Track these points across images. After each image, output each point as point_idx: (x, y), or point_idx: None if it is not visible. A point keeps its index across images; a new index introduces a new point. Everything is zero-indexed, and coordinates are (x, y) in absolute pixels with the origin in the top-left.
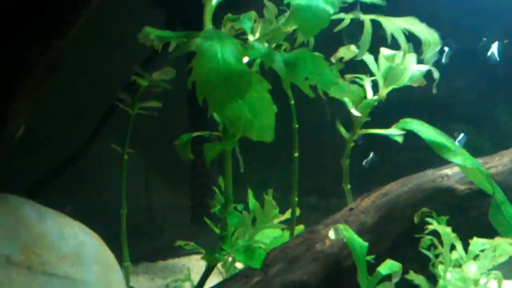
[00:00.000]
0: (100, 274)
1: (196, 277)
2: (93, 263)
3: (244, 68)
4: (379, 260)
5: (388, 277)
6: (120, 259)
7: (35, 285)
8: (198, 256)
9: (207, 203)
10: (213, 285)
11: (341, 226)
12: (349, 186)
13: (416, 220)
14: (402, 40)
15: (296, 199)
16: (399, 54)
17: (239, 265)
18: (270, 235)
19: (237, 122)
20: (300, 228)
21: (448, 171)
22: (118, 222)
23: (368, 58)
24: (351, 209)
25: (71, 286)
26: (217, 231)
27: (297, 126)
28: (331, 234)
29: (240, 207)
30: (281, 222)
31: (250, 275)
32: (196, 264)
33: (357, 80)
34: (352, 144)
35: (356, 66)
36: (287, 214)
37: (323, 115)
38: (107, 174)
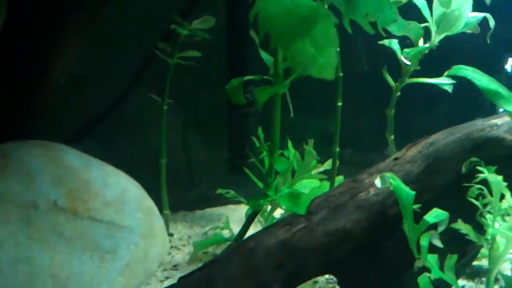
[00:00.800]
0: (143, 220)
1: (233, 226)
2: (136, 210)
3: (311, 1)
4: (425, 210)
5: (434, 226)
6: (159, 208)
7: (81, 230)
8: (234, 206)
9: (245, 154)
10: (256, 231)
11: (388, 175)
12: (392, 137)
13: (464, 169)
14: None
15: (338, 149)
16: None
17: (277, 216)
18: (309, 186)
19: (300, 57)
20: (339, 179)
21: (497, 120)
22: (156, 172)
23: (421, 2)
24: (396, 158)
25: (115, 232)
26: (256, 181)
27: (341, 74)
28: (377, 183)
29: (286, 153)
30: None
31: (293, 222)
32: (232, 214)
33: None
34: (398, 94)
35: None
36: (326, 165)
37: (361, 66)
38: (146, 124)
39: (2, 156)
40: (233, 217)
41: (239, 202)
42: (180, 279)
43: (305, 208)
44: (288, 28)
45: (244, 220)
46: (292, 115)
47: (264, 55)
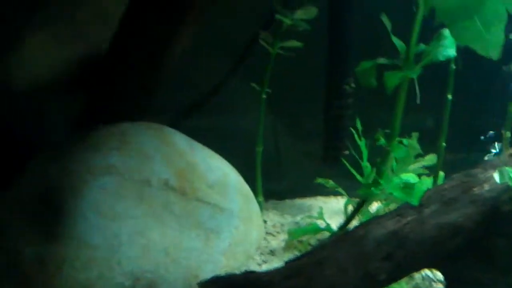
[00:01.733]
0: (242, 204)
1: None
2: (236, 194)
3: None
4: None
5: None
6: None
7: (189, 210)
8: (324, 198)
9: (341, 145)
10: (363, 222)
11: (508, 169)
12: (509, 133)
13: None
14: None
15: (444, 144)
16: None
17: (372, 210)
18: (410, 179)
19: (466, 34)
20: (441, 175)
21: None
22: (249, 159)
23: None
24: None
25: (218, 213)
26: (354, 172)
27: (454, 67)
28: (496, 177)
29: (405, 141)
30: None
31: (404, 213)
32: (323, 206)
33: None
34: None
35: None
36: (427, 160)
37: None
38: (241, 111)
39: (120, 135)
40: (324, 209)
41: (329, 194)
42: (287, 262)
43: (418, 198)
44: (457, 4)
45: (334, 212)
46: (418, 102)
47: (395, 40)
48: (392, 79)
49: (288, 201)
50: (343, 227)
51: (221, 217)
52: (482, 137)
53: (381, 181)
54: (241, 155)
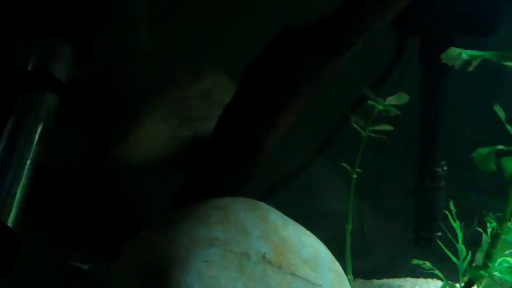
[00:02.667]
0: (334, 282)
1: None
2: (328, 271)
3: None
4: None
5: None
6: None
7: (284, 284)
8: (413, 279)
9: (433, 227)
10: None
11: None
12: None
13: None
14: None
15: None
16: None
17: None
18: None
19: None
20: None
21: None
22: (333, 239)
23: None
24: None
25: None
26: (449, 254)
27: None
28: None
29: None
30: None
31: None
32: (411, 287)
33: None
34: None
35: None
36: None
37: None
38: (326, 191)
39: (222, 209)
40: None
41: (419, 276)
42: None
43: None
44: None
45: None
46: None
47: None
48: (510, 164)
49: (375, 281)
50: None
51: None
52: None
53: (490, 264)
54: (325, 235)
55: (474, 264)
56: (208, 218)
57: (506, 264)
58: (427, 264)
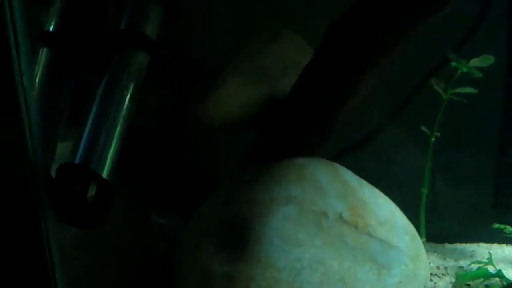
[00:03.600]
0: (409, 244)
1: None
2: (403, 233)
3: None
4: None
5: None
6: None
7: (361, 243)
8: (487, 245)
9: None
10: None
11: None
12: None
13: None
14: None
15: None
16: None
17: None
18: None
19: None
20: None
21: None
22: (404, 203)
23: None
24: None
25: (387, 249)
26: None
27: None
28: None
29: None
30: None
31: None
32: (486, 252)
33: None
34: None
35: None
36: None
37: None
38: (399, 154)
39: (298, 168)
40: (487, 255)
41: (493, 242)
42: None
43: None
44: None
45: (500, 259)
46: None
47: None
48: None
49: (448, 245)
50: None
51: (390, 254)
52: None
53: None
54: (398, 199)
55: None
56: (285, 177)
57: None
58: (509, 228)
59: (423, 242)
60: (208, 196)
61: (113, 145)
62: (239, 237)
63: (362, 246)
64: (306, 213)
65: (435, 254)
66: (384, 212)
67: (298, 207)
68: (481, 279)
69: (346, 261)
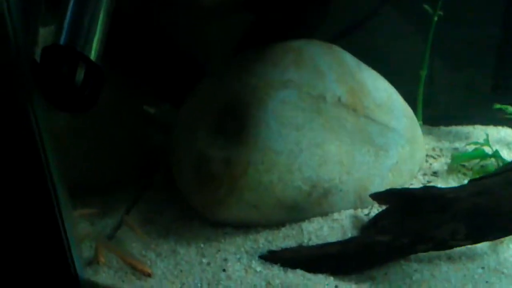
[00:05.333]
0: (407, 126)
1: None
2: (402, 115)
3: None
4: None
5: None
6: None
7: (359, 126)
8: (483, 127)
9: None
10: None
11: None
12: None
13: None
14: None
15: None
16: None
17: None
18: None
19: None
20: None
21: None
22: (401, 84)
23: None
24: None
25: (385, 132)
26: None
27: None
28: None
29: None
30: None
31: None
32: (481, 134)
33: None
34: None
35: None
36: None
37: None
38: (398, 36)
39: (295, 51)
40: (483, 136)
41: (488, 123)
42: (473, 180)
43: None
44: None
45: (495, 141)
46: None
47: None
48: None
49: (443, 128)
50: None
51: (388, 136)
52: None
53: None
54: (395, 82)
55: None
56: (282, 61)
57: None
58: (510, 108)
59: (419, 125)
60: (202, 81)
61: (98, 29)
62: (235, 122)
63: (361, 129)
64: (304, 97)
65: (431, 136)
66: (382, 95)
67: (296, 91)
68: (477, 160)
69: (344, 144)
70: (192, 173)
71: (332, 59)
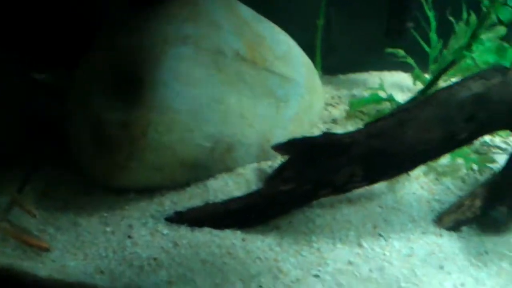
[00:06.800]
0: (306, 76)
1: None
2: (300, 66)
3: None
4: None
5: None
6: None
7: (260, 79)
8: (377, 73)
9: (405, 18)
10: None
11: None
12: None
13: None
14: None
15: None
16: None
17: None
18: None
19: None
20: None
21: None
22: (301, 35)
23: None
24: None
25: (285, 83)
26: (422, 43)
27: None
28: None
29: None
30: None
31: (489, 77)
32: (376, 80)
33: None
34: None
35: None
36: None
37: None
38: None
39: (190, 5)
40: (379, 82)
41: (383, 69)
42: (367, 124)
43: (511, 61)
44: None
45: (390, 85)
46: None
47: None
48: None
49: (341, 76)
50: (425, 90)
51: (288, 87)
52: None
53: (474, 43)
54: (294, 34)
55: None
56: (177, 16)
57: (491, 43)
58: (401, 52)
59: (318, 75)
60: (95, 41)
61: None
62: (132, 83)
63: (261, 82)
64: (202, 52)
65: (330, 85)
66: (282, 47)
67: (194, 47)
68: (373, 105)
69: (245, 97)
70: (90, 140)
71: (229, 12)
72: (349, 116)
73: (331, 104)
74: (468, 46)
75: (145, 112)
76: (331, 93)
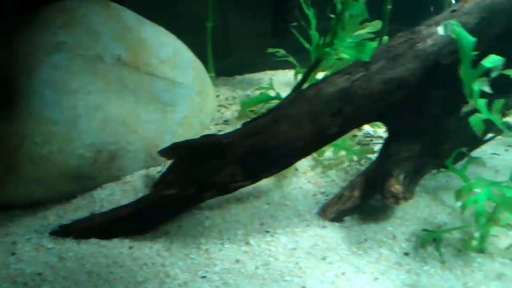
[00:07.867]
0: (195, 79)
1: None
2: (190, 69)
3: None
4: (479, 59)
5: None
6: None
7: (143, 84)
8: (273, 72)
9: (289, 18)
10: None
11: (452, 22)
12: None
13: None
14: None
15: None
16: None
17: None
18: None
19: None
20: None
21: None
22: (195, 38)
23: None
24: (453, 10)
25: (171, 87)
26: (303, 41)
27: None
28: (440, 30)
29: None
30: None
31: (353, 71)
32: (271, 78)
33: None
34: None
35: None
36: (374, 25)
37: None
38: None
39: (65, 11)
40: (273, 81)
41: (277, 68)
42: (246, 123)
43: (370, 55)
44: None
45: (283, 83)
46: None
47: None
48: None
49: (238, 77)
50: (298, 87)
51: (175, 91)
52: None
53: (335, 41)
54: (188, 38)
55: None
56: (52, 23)
57: (351, 40)
58: (281, 51)
59: (211, 77)
60: None
61: None
62: (5, 94)
63: (145, 86)
64: (78, 59)
65: (226, 87)
66: (167, 50)
67: (69, 54)
68: (263, 104)
69: (127, 103)
70: None
71: (108, 18)
72: (241, 116)
73: (224, 106)
74: (330, 44)
75: (21, 124)
76: (226, 94)
